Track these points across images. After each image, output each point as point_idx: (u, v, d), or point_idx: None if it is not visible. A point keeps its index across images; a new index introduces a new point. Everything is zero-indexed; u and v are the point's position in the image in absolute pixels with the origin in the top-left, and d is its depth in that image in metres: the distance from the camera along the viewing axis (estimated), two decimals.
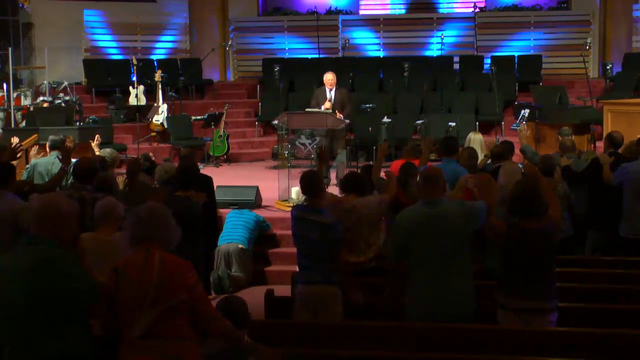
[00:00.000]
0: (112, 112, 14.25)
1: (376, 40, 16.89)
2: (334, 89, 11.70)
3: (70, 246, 3.93)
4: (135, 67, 14.70)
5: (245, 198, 9.60)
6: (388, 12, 17.56)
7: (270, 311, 5.81)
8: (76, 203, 4.15)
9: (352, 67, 15.37)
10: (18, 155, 8.89)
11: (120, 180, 7.52)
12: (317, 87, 12.52)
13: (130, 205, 5.22)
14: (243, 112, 15.29)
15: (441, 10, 17.36)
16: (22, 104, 13.55)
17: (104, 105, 14.77)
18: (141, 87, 14.30)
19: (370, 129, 12.49)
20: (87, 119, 12.62)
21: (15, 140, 9.44)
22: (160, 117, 13.63)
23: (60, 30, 15.56)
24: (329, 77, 11.75)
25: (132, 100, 14.22)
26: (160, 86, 13.95)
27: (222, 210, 9.15)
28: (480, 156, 8.52)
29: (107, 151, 8.25)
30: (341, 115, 11.28)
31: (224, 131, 13.24)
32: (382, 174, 7.28)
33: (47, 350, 3.72)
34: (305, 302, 5.52)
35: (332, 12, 17.18)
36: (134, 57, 15.01)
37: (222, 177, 10.96)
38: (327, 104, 11.50)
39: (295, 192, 9.31)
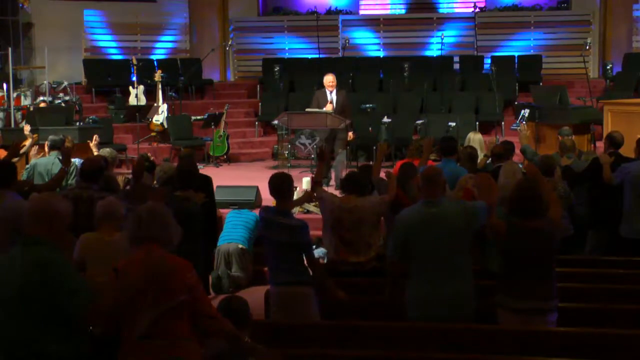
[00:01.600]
0: (112, 112, 14.26)
1: (376, 40, 16.88)
2: (334, 91, 11.39)
3: (65, 246, 3.93)
4: (135, 67, 14.70)
5: (245, 198, 9.60)
6: (388, 12, 17.55)
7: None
8: (71, 203, 4.15)
9: (352, 67, 15.36)
10: (21, 152, 8.93)
11: (120, 180, 7.52)
12: (317, 88, 12.09)
13: (132, 205, 5.22)
14: (243, 112, 15.29)
15: (441, 10, 17.35)
16: (22, 104, 13.54)
17: (104, 105, 14.77)
18: (141, 87, 14.30)
19: (370, 129, 12.48)
20: (87, 119, 12.63)
21: (29, 133, 9.57)
22: (160, 117, 13.63)
23: (60, 30, 15.54)
24: (329, 80, 11.26)
25: (132, 100, 14.22)
26: (160, 86, 13.95)
27: (222, 210, 9.13)
28: (480, 156, 8.51)
29: (106, 151, 8.24)
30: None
31: (224, 131, 13.23)
32: (382, 174, 7.27)
33: (44, 350, 3.71)
34: (278, 303, 5.54)
35: (332, 12, 17.17)
36: (134, 57, 15.01)
37: (222, 177, 10.95)
38: (329, 107, 11.19)
39: (295, 192, 9.28)
